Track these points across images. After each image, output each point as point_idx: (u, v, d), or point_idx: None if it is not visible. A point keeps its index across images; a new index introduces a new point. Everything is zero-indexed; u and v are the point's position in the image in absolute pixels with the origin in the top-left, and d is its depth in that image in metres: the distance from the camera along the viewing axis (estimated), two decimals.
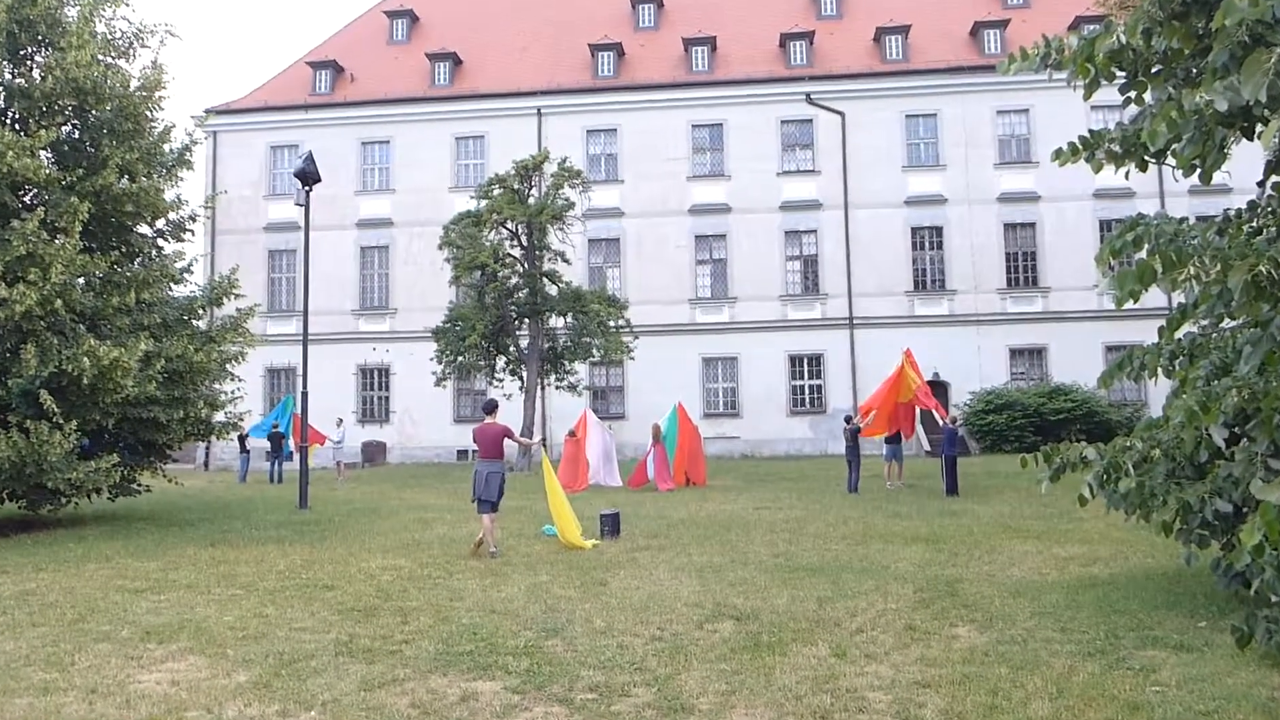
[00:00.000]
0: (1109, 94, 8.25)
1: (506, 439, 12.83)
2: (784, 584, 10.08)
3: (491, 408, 13.13)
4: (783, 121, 37.76)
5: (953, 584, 9.97)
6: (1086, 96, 7.58)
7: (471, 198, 31.15)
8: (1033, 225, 36.37)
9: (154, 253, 18.17)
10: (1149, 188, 33.88)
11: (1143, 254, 7.56)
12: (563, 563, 11.62)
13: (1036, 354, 36.05)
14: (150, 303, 16.90)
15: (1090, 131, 8.08)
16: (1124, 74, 7.66)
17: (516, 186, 29.95)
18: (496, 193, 29.81)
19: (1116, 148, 7.96)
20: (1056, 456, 8.44)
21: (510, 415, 30.53)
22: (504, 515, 16.48)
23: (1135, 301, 7.14)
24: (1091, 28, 7.25)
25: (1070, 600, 9.00)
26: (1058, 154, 7.92)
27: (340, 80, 41.00)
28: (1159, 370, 8.89)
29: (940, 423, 23.22)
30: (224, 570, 11.58)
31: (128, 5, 16.79)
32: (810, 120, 37.66)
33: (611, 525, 13.95)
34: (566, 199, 29.91)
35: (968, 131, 36.77)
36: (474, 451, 12.90)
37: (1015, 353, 36.04)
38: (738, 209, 37.21)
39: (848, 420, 22.63)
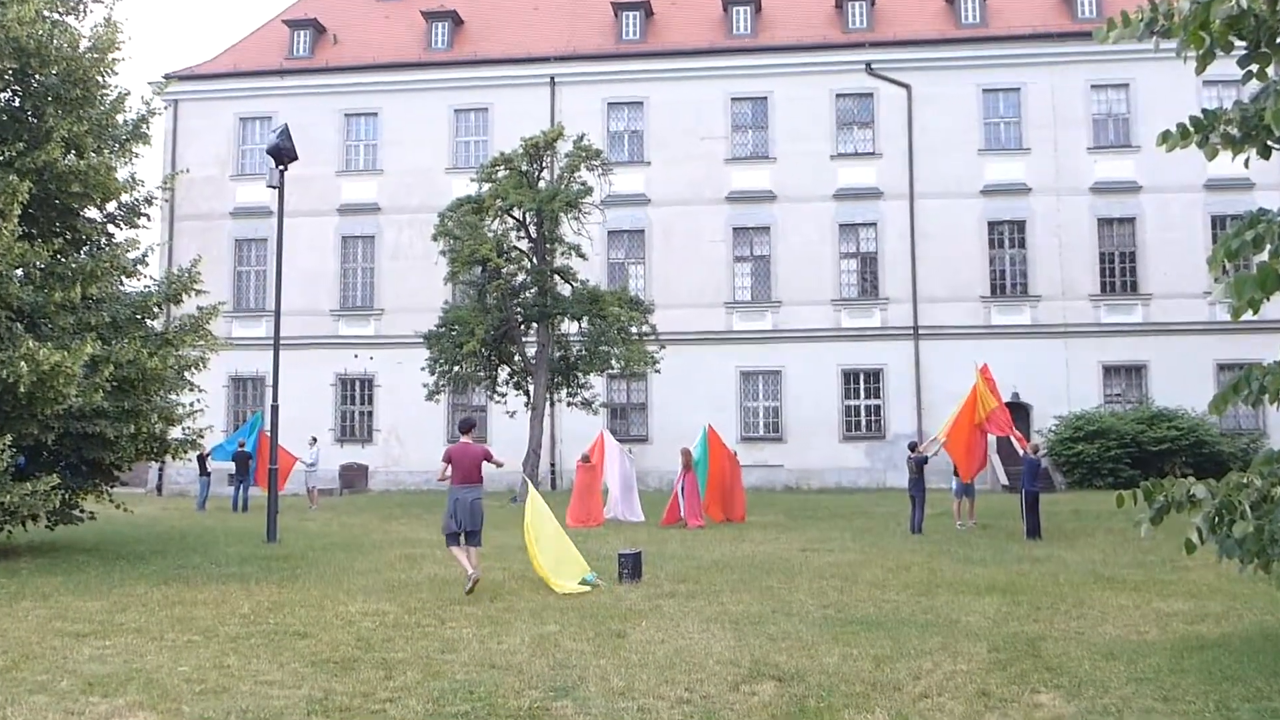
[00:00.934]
0: (1225, 66, 8.22)
1: (486, 461, 13.40)
2: (834, 640, 10.03)
3: (469, 426, 13.89)
4: (838, 95, 37.79)
5: (1034, 642, 9.89)
6: (1199, 70, 7.57)
7: (472, 180, 31.31)
8: (1132, 221, 36.22)
9: (103, 241, 18.34)
10: (1270, 178, 33.56)
11: (1264, 256, 7.52)
12: (574, 610, 11.62)
13: (1135, 372, 35.85)
14: (98, 299, 17.05)
15: (1203, 111, 8.06)
16: (1244, 44, 7.64)
17: (525, 168, 30.08)
18: (501, 175, 29.95)
19: (1234, 130, 7.94)
20: (1159, 494, 8.38)
21: (515, 436, 30.77)
22: (506, 554, 16.57)
23: (1255, 312, 7.12)
24: None
25: (1174, 664, 8.92)
26: (1165, 137, 7.91)
27: (321, 42, 41.34)
28: None
29: (1020, 453, 22.98)
30: (179, 612, 11.62)
31: None
32: (870, 94, 37.68)
33: (632, 567, 13.93)
34: (583, 183, 30.02)
35: (1056, 109, 36.70)
36: (447, 475, 13.32)
37: (1110, 371, 35.86)
38: (784, 197, 37.24)
39: (912, 448, 22.55)
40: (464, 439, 13.51)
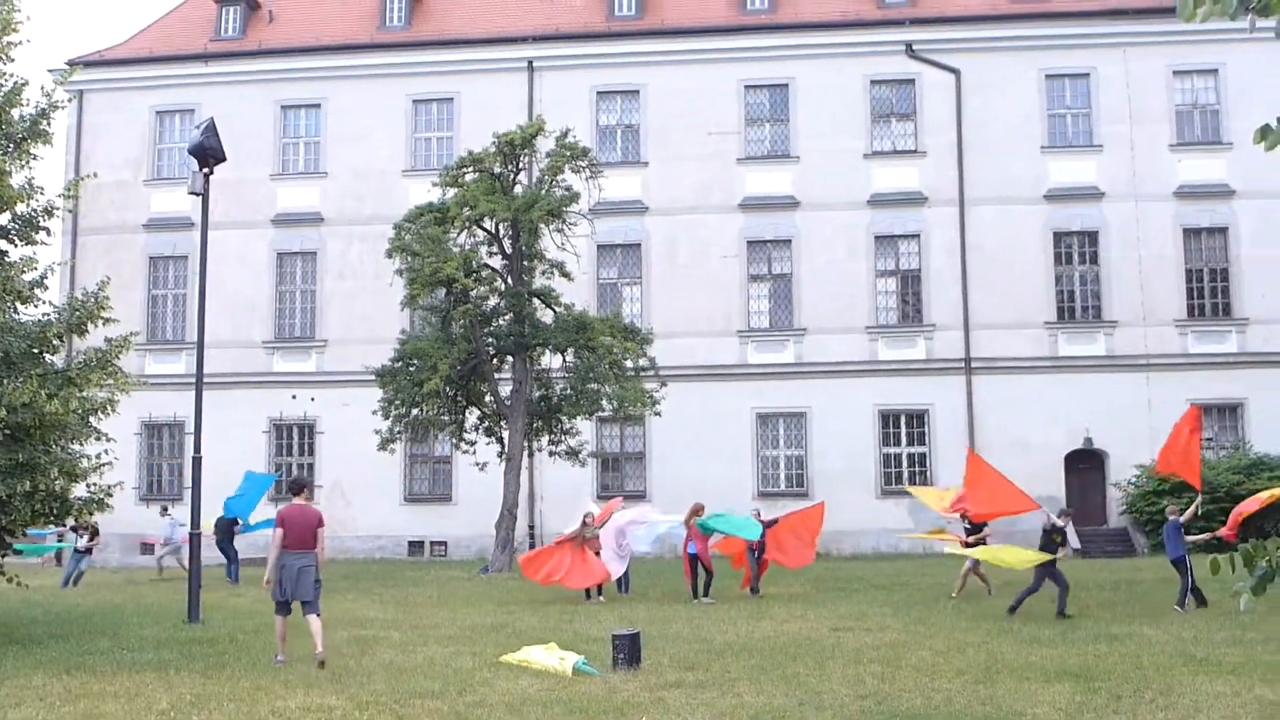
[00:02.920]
0: None
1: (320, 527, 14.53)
2: None
3: (301, 486, 15.21)
4: (873, 82, 38.08)
5: None
6: None
7: (434, 185, 31.40)
8: (1224, 231, 36.44)
9: None
10: None
11: None
12: (559, 704, 11.61)
13: (1230, 412, 35.95)
14: None
15: None
16: None
17: (498, 170, 30.21)
18: (469, 178, 30.08)
19: None
20: (1262, 558, 8.40)
21: (486, 493, 30.76)
22: (479, 637, 16.58)
23: None
24: None
25: None
26: (1264, 134, 7.95)
27: (254, 20, 41.59)
28: None
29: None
30: (85, 708, 11.58)
31: None
32: (911, 81, 37.98)
33: (628, 650, 13.91)
34: (568, 188, 30.14)
35: (1132, 100, 36.97)
36: (280, 538, 14.25)
37: (1200, 410, 35.85)
38: (809, 204, 37.44)
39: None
40: (297, 500, 14.68)
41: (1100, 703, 11.55)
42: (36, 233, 18.76)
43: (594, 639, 15.61)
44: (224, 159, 21.14)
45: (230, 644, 16.31)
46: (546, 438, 31.39)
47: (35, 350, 18.01)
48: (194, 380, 21.08)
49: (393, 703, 11.78)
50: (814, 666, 13.94)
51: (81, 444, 18.87)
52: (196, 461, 20.74)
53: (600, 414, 32.29)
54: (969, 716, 10.94)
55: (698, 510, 23.39)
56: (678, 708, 11.43)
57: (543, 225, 29.74)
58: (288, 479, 35.32)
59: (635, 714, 11.11)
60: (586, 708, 11.41)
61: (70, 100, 36.50)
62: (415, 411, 30.18)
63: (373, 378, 31.24)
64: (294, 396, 38.46)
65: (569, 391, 30.60)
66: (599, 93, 38.96)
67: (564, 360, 31.02)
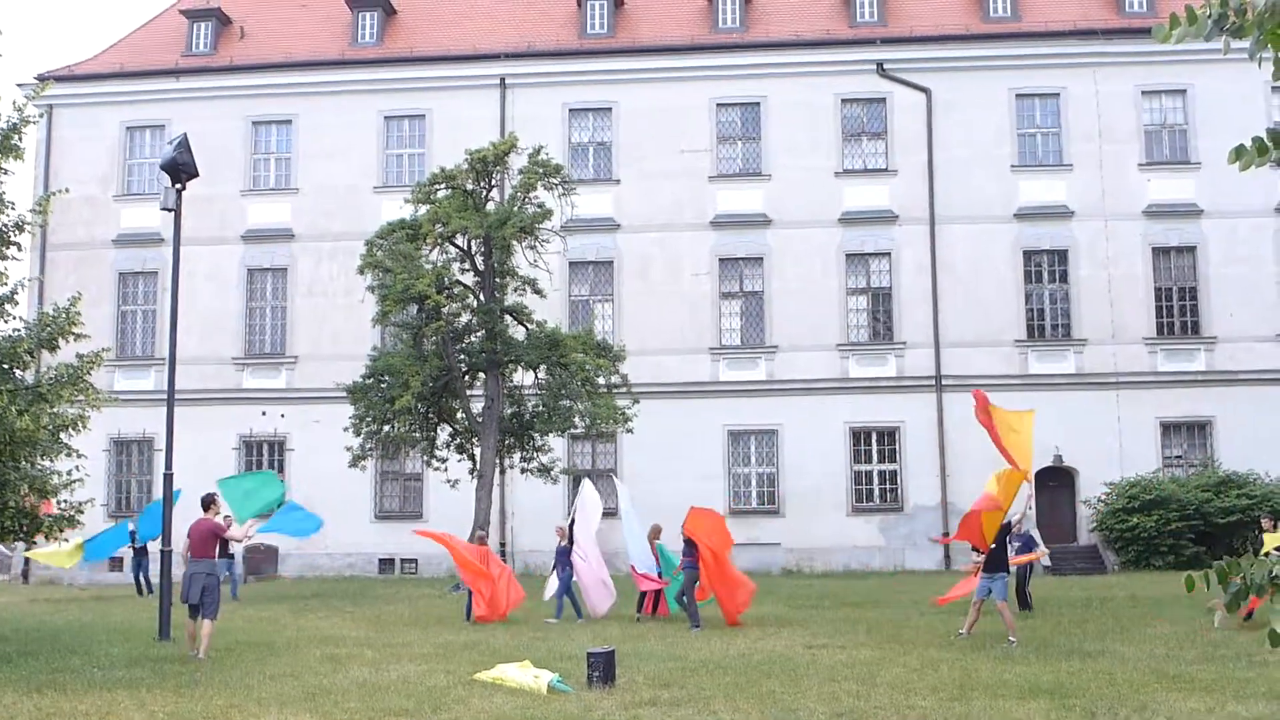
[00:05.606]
0: None
1: (220, 536, 17.16)
2: None
3: (208, 502, 17.13)
4: (844, 101, 38.24)
5: None
6: (1278, 75, 7.74)
7: (406, 201, 31.41)
8: (1192, 250, 36.70)
9: None
10: None
11: None
12: None
13: (1198, 430, 36.18)
14: None
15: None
16: None
17: (470, 187, 30.23)
18: (442, 195, 30.09)
19: None
20: (1236, 575, 8.44)
21: (458, 509, 30.69)
22: (452, 655, 16.57)
23: None
24: None
25: None
26: (1238, 153, 8.01)
27: (225, 36, 41.50)
28: None
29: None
30: None
31: None
32: (882, 100, 38.15)
33: (603, 668, 13.89)
34: (540, 205, 30.17)
35: (1102, 119, 37.23)
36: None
37: (1169, 428, 36.16)
38: (780, 222, 37.54)
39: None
40: (203, 515, 16.86)
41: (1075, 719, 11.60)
42: (7, 248, 18.71)
43: (569, 656, 15.59)
44: (196, 174, 21.04)
45: (203, 662, 16.22)
46: (518, 455, 31.36)
47: (5, 366, 17.95)
48: (164, 397, 21.00)
49: (365, 719, 11.75)
50: (789, 684, 13.93)
51: (52, 460, 18.80)
52: (168, 478, 20.61)
53: (572, 431, 32.25)
54: None
55: (656, 532, 23.34)
56: None
57: (515, 242, 29.76)
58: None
59: None
60: None
61: (41, 115, 36.50)
62: (386, 428, 30.12)
63: (344, 394, 31.19)
64: (264, 413, 38.29)
65: (541, 408, 30.58)
66: (571, 110, 39.00)
67: (536, 377, 31.00)
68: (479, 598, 22.30)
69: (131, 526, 30.49)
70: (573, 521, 23.03)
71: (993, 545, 19.16)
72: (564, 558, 22.59)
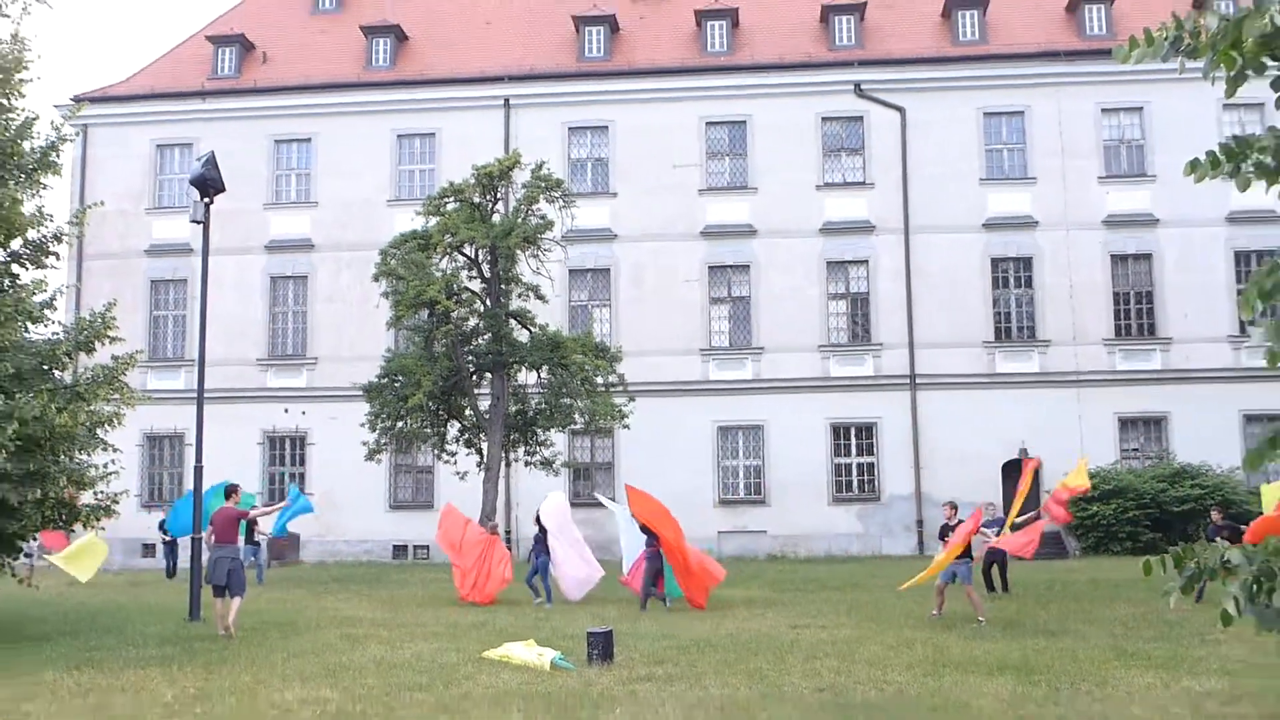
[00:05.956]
0: (1247, 89, 8.39)
1: (242, 521, 18.13)
2: None
3: (230, 491, 17.76)
4: (824, 119, 38.24)
5: None
6: (1229, 93, 7.73)
7: (418, 214, 31.32)
8: (1148, 257, 36.72)
9: (6, 282, 18.23)
10: None
11: None
12: (539, 697, 11.58)
13: (1154, 425, 36.20)
14: (0, 348, 16.93)
15: (1234, 138, 8.22)
16: (1275, 65, 7.82)
17: (477, 200, 30.14)
18: (450, 208, 30.00)
19: (1269, 159, 8.09)
20: (1190, 560, 8.45)
21: (466, 499, 30.60)
22: (462, 634, 16.57)
23: None
24: (1221, 2, 7.42)
25: None
26: (1193, 166, 8.03)
27: (249, 60, 41.46)
28: None
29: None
30: (93, 701, 11.51)
31: None
32: (860, 118, 38.14)
33: (602, 647, 13.90)
34: (542, 217, 30.09)
35: (1064, 135, 37.26)
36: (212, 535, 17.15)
37: (1126, 423, 36.20)
38: (765, 232, 37.54)
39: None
40: (225, 503, 17.42)
41: (1040, 694, 11.60)
42: (46, 257, 18.74)
43: (570, 636, 15.59)
44: (224, 189, 21.09)
45: (230, 641, 16.23)
46: (522, 449, 31.27)
47: (45, 367, 18.00)
48: (194, 395, 21.01)
49: (383, 695, 11.73)
50: (774, 661, 13.94)
51: (89, 454, 18.82)
52: (198, 471, 20.66)
53: (573, 427, 32.16)
54: (919, 707, 10.96)
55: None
56: (649, 700, 11.42)
57: (519, 251, 29.68)
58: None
59: (609, 706, 11.09)
60: (564, 700, 11.38)
61: (77, 134, 36.51)
62: (400, 424, 30.04)
63: (360, 393, 31.09)
64: (286, 410, 38.27)
65: (543, 406, 30.51)
66: (570, 128, 38.98)
67: (539, 377, 30.94)
68: (460, 578, 22.40)
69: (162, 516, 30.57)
70: (543, 529, 22.79)
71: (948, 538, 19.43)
72: (540, 545, 22.59)
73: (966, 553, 18.98)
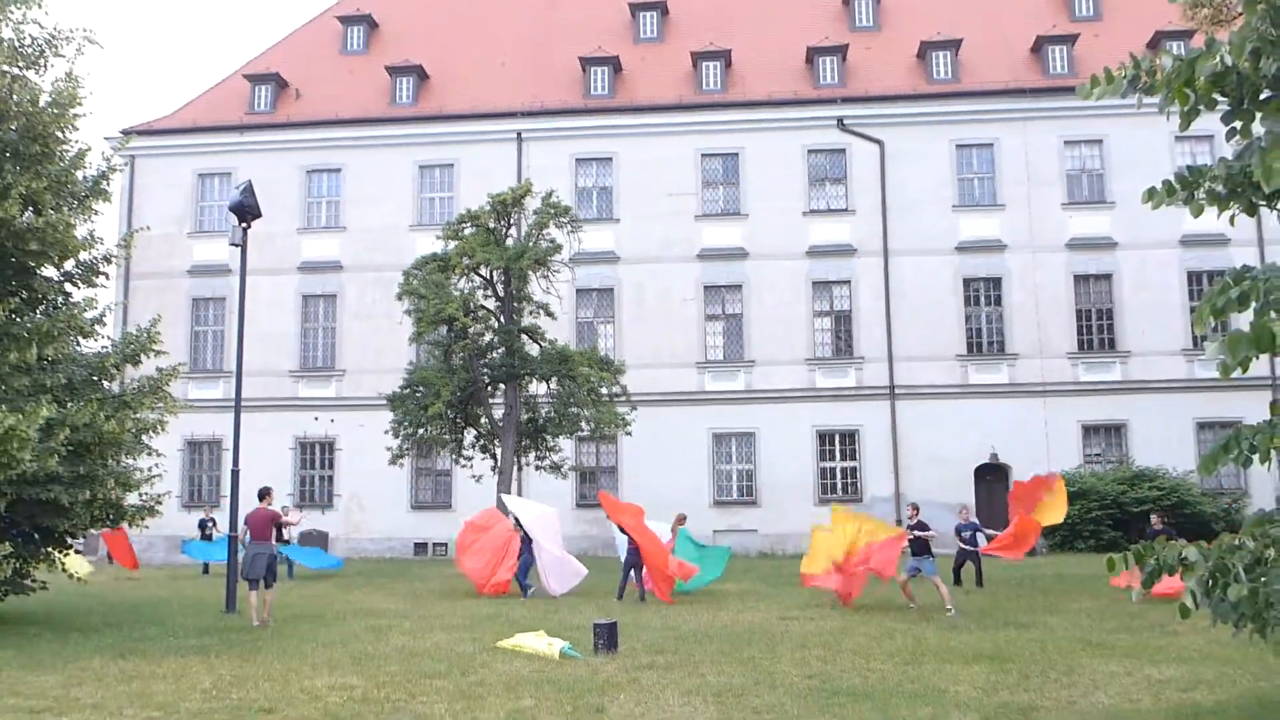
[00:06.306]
0: (1198, 122, 8.39)
1: (276, 523, 17.79)
2: (821, 712, 10.00)
3: (264, 494, 17.73)
4: (810, 151, 38.22)
5: (1026, 712, 9.90)
6: (1183, 127, 7.73)
7: (438, 238, 31.32)
8: (1109, 277, 36.66)
9: (60, 300, 18.22)
10: (1245, 234, 34.26)
11: (1249, 314, 7.62)
12: (549, 684, 11.54)
13: (1114, 431, 36.12)
14: (54, 360, 16.90)
15: (1188, 168, 8.22)
16: (1226, 101, 7.81)
17: (492, 225, 30.14)
18: (468, 232, 30.00)
19: (1220, 187, 8.09)
20: (1151, 557, 8.41)
21: (481, 500, 30.61)
22: (478, 625, 16.53)
23: (1244, 371, 7.22)
24: (1174, 44, 7.42)
25: None
26: (1150, 194, 8.04)
27: (283, 97, 41.49)
28: (1273, 454, 8.87)
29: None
30: (137, 687, 11.46)
31: (40, 7, 16.95)
32: (843, 150, 38.12)
33: (607, 637, 13.86)
34: (552, 240, 30.10)
35: (1030, 165, 37.23)
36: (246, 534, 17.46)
37: (1089, 430, 36.11)
38: (756, 254, 37.50)
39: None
40: (260, 505, 17.44)
41: (1012, 681, 11.56)
42: (96, 277, 18.76)
43: (577, 627, 15.54)
44: (260, 215, 21.10)
45: (263, 631, 16.20)
46: (533, 454, 31.21)
47: (95, 378, 18.02)
48: (231, 404, 20.99)
49: (406, 682, 11.69)
50: (766, 650, 13.90)
51: (135, 459, 18.82)
52: (234, 474, 20.62)
53: (579, 434, 32.17)
54: (901, 693, 10.92)
55: (682, 519, 23.35)
56: (651, 686, 11.38)
57: (530, 272, 29.67)
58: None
59: (614, 692, 11.05)
60: (572, 686, 11.34)
61: (125, 164, 36.54)
62: (421, 431, 29.98)
63: (384, 402, 31.09)
64: (316, 418, 38.22)
65: (553, 414, 30.48)
66: (578, 159, 38.96)
67: (548, 387, 30.90)
68: (477, 573, 22.43)
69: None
70: (524, 535, 22.91)
71: (912, 536, 19.59)
72: (527, 545, 22.67)
73: (928, 550, 19.42)
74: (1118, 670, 12.12)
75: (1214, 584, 7.99)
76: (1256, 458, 8.88)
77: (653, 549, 20.93)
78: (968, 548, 23.05)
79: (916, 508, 21.31)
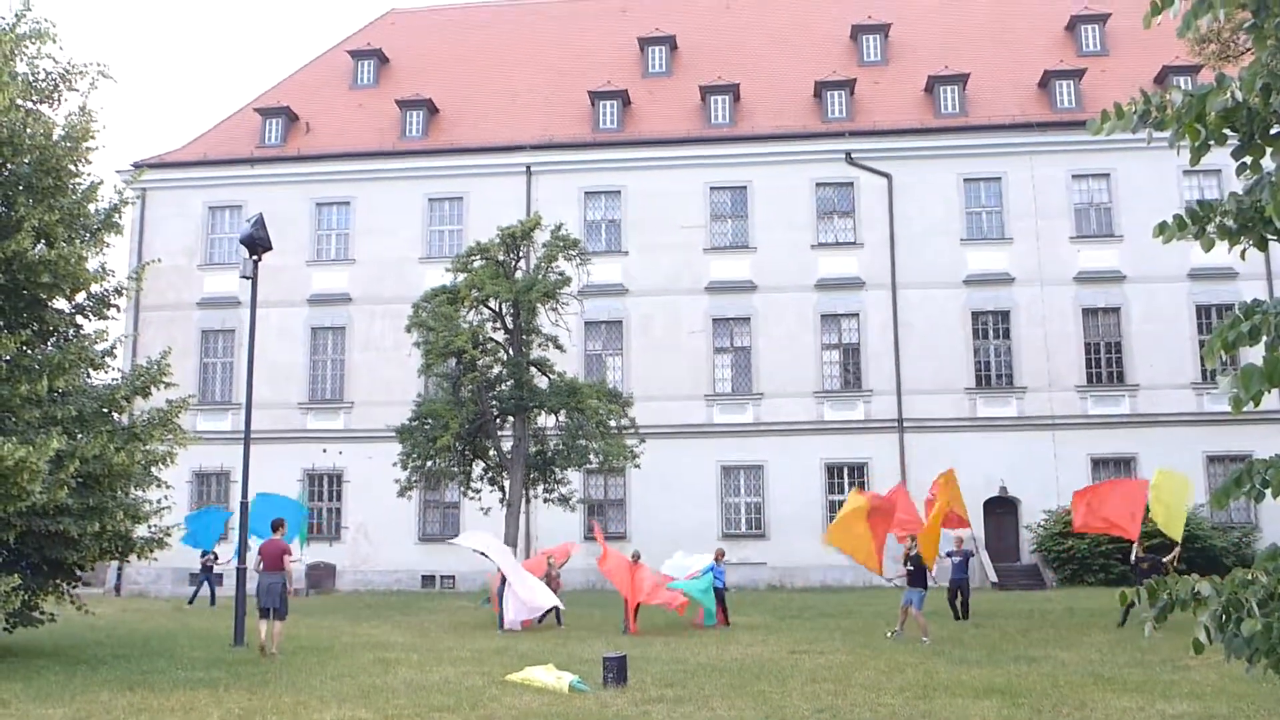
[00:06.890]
0: (1207, 157, 8.43)
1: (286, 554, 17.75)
2: None
3: (278, 525, 18.05)
4: (818, 184, 38.32)
5: None
6: (1194, 162, 7.73)
7: (447, 270, 31.40)
8: (1117, 310, 36.66)
9: (71, 332, 18.29)
10: (1254, 268, 34.17)
11: (1260, 348, 7.62)
12: (559, 718, 11.50)
13: (1124, 465, 35.98)
14: (65, 392, 16.95)
15: (1199, 203, 8.22)
16: (1236, 136, 7.83)
17: (501, 258, 30.24)
18: (477, 265, 30.09)
19: (1231, 222, 8.09)
20: (1163, 592, 8.37)
21: (490, 532, 30.50)
22: (486, 658, 16.48)
23: (1256, 405, 7.21)
24: (1181, 79, 7.45)
25: None
26: (1161, 229, 8.02)
27: (294, 130, 41.73)
28: None
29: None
30: None
31: (55, 42, 17.10)
32: (850, 184, 38.22)
33: (617, 671, 13.80)
34: (560, 273, 30.18)
35: (1038, 199, 37.30)
36: (259, 565, 17.63)
37: (1098, 463, 35.98)
38: (764, 287, 37.55)
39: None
40: (273, 536, 17.81)
41: (1023, 716, 11.49)
42: (107, 309, 18.85)
43: (586, 660, 15.50)
44: (271, 248, 21.18)
45: (272, 665, 16.14)
46: (541, 486, 31.19)
47: (105, 410, 18.07)
48: (240, 436, 20.99)
49: (415, 716, 11.65)
50: (776, 684, 13.84)
51: (144, 490, 18.83)
52: (243, 506, 20.61)
53: (588, 466, 32.14)
54: None
55: (721, 554, 24.12)
56: None
57: (539, 305, 29.75)
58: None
59: None
60: (584, 719, 11.30)
61: (137, 197, 36.67)
62: (429, 463, 30.00)
63: (393, 434, 31.11)
64: (325, 450, 38.24)
65: (561, 447, 30.48)
66: (586, 193, 39.11)
67: (557, 420, 30.95)
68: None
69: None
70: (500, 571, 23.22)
71: (909, 568, 20.11)
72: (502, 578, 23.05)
73: (922, 582, 20.32)
74: (1130, 705, 12.04)
75: (1228, 619, 7.95)
76: (1269, 492, 8.86)
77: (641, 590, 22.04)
78: (958, 576, 23.41)
79: (913, 537, 21.46)
